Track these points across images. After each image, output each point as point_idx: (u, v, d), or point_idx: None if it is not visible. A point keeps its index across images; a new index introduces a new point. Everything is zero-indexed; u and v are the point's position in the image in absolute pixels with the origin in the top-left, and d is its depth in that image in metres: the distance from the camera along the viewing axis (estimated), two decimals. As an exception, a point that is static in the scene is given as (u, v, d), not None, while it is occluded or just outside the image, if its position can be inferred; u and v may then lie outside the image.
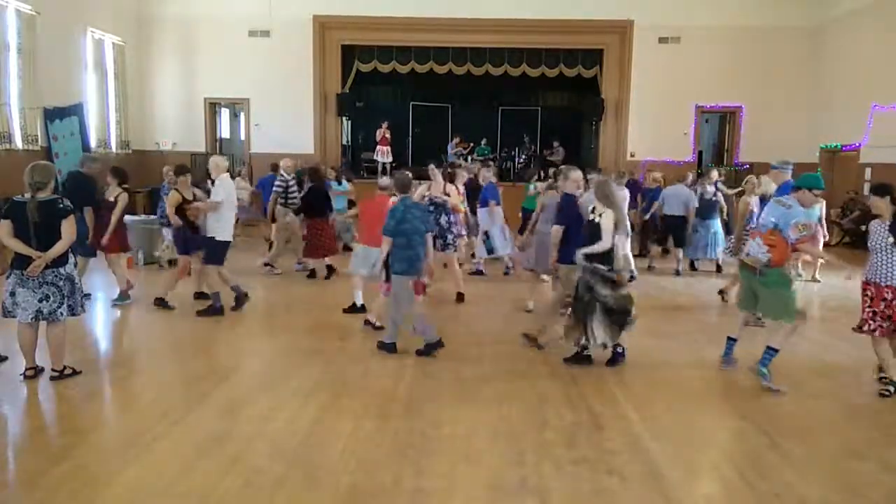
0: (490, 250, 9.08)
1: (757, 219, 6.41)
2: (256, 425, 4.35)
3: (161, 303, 7.30)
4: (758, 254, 5.09)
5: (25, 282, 4.89)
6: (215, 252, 7.11)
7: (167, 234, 9.35)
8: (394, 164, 16.79)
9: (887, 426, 4.58)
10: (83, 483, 3.57)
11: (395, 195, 6.35)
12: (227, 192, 7.13)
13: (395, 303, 5.82)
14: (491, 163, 12.65)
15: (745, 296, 5.50)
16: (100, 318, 7.26)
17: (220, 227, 7.07)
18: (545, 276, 7.49)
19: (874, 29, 13.21)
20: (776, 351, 5.11)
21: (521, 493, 3.58)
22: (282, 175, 9.64)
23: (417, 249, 5.77)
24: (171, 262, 9.52)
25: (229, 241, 7.25)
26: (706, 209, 9.81)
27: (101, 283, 8.35)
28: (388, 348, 5.83)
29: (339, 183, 11.14)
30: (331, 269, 9.18)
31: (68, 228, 4.94)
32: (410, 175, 6.18)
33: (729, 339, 5.64)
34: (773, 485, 3.70)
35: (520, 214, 13.66)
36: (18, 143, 11.45)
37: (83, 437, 4.17)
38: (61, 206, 4.97)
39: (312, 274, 9.28)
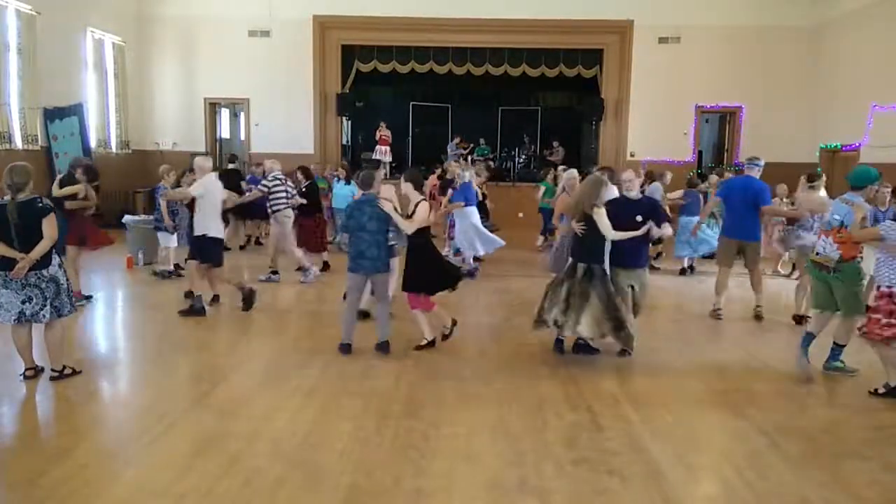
0: (456, 250, 9.63)
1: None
2: (256, 425, 4.35)
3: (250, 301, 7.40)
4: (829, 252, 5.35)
5: (8, 283, 4.87)
6: (209, 251, 7.13)
7: (163, 238, 9.02)
8: (394, 164, 16.79)
9: (887, 426, 4.58)
10: (83, 483, 3.57)
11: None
12: (209, 191, 7.10)
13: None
14: (472, 162, 12.80)
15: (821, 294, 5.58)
16: (99, 319, 7.26)
17: (210, 225, 7.09)
18: None
19: (874, 29, 13.18)
20: (843, 346, 5.45)
21: (521, 493, 3.58)
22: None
23: (361, 247, 5.76)
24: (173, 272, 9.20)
25: (221, 239, 7.31)
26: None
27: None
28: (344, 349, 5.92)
29: (348, 183, 10.67)
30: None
31: (49, 227, 4.91)
32: (375, 173, 6.08)
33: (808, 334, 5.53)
34: (773, 485, 3.70)
35: (520, 215, 13.62)
36: (18, 143, 11.45)
37: (83, 437, 4.17)
38: (41, 205, 4.94)
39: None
